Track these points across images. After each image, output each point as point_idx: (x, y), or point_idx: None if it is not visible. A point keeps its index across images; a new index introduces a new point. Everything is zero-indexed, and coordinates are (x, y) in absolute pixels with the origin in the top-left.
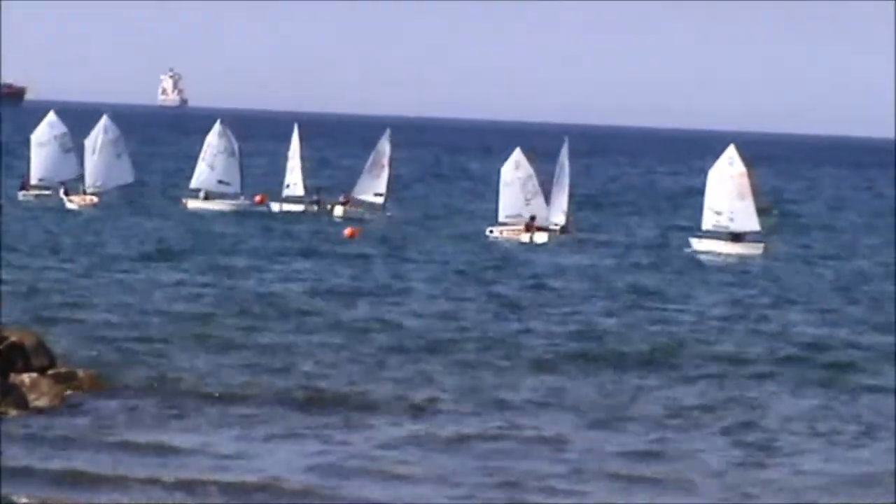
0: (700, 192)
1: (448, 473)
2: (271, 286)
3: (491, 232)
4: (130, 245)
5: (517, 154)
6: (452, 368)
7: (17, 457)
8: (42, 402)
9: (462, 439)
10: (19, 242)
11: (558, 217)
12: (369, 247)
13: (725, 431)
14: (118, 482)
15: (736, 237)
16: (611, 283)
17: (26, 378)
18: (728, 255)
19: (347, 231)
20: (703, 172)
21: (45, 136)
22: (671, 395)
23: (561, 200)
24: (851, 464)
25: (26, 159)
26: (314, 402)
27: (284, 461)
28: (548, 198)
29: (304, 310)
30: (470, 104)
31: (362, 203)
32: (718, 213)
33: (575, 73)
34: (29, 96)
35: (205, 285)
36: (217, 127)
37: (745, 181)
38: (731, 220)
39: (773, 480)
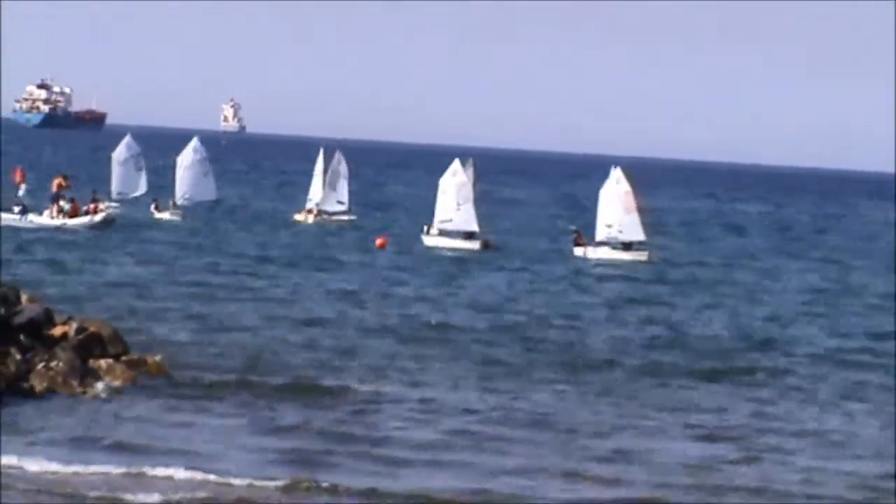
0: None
1: None
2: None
3: (426, 235)
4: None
5: (455, 164)
6: None
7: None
8: (116, 384)
9: None
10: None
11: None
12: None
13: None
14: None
15: (626, 246)
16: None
17: (103, 363)
18: (621, 261)
19: (378, 241)
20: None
21: (123, 156)
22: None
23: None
24: None
25: (104, 177)
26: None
27: None
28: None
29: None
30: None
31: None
32: (609, 226)
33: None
34: (109, 121)
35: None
36: (337, 155)
37: (631, 198)
38: (621, 231)
39: None
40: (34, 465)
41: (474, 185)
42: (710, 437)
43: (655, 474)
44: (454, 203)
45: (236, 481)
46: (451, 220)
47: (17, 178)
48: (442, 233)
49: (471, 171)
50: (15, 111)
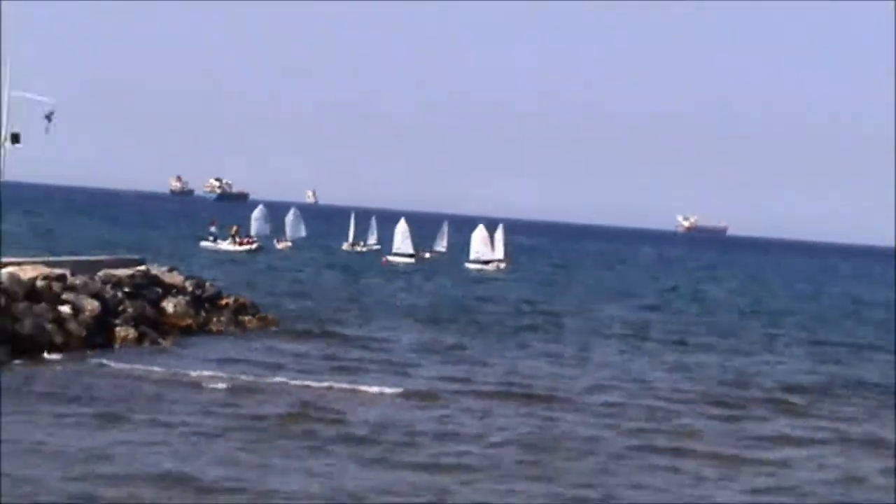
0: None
1: None
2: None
3: (386, 257)
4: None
5: (402, 221)
6: None
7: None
8: (252, 328)
9: None
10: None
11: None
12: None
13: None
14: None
15: (486, 262)
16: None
17: (246, 318)
18: (483, 270)
19: (383, 260)
20: None
21: (258, 215)
22: None
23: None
24: None
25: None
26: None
27: None
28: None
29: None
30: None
31: (435, 251)
32: (477, 252)
33: None
34: (251, 197)
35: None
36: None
37: (487, 238)
38: (482, 256)
39: None
40: (193, 372)
41: (447, 234)
42: (550, 356)
43: (521, 377)
44: (402, 239)
45: (313, 384)
46: (400, 248)
47: (213, 223)
48: (397, 254)
49: (445, 228)
50: (202, 192)
